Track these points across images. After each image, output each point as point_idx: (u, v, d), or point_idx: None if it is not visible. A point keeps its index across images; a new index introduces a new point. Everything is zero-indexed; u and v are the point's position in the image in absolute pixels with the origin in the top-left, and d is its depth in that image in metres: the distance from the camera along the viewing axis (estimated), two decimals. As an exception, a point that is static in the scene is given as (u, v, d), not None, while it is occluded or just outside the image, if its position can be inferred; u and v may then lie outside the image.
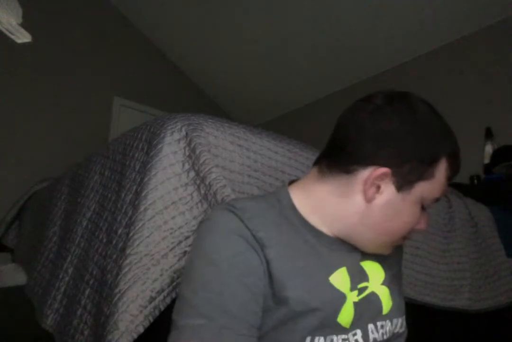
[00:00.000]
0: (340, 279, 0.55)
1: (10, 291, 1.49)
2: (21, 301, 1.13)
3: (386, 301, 0.59)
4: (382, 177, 0.54)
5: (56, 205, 1.19)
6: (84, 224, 0.92)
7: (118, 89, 3.39)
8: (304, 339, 0.50)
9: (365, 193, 0.55)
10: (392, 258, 0.65)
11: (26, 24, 1.72)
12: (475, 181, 2.21)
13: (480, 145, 2.41)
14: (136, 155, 0.83)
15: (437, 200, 0.58)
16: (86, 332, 0.73)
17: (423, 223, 0.59)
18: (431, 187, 0.55)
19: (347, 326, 0.53)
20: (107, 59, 3.35)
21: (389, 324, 0.58)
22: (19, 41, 1.75)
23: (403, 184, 0.54)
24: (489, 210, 1.60)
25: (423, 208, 0.57)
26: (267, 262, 0.51)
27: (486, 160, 2.26)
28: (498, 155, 2.08)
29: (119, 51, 3.45)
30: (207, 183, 0.73)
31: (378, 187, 0.55)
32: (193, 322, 0.47)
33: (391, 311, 0.59)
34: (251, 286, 0.49)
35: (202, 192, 0.74)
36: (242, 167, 0.82)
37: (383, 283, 0.60)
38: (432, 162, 0.54)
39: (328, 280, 0.54)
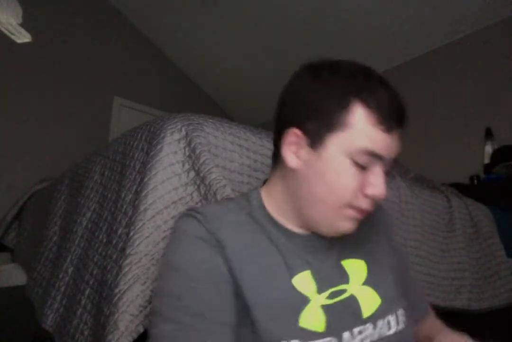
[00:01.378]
0: (303, 281, 0.52)
1: (10, 291, 1.49)
2: (21, 301, 1.13)
3: (369, 303, 0.54)
4: (293, 139, 0.53)
5: (56, 205, 1.19)
6: (84, 224, 0.92)
7: (118, 89, 3.39)
8: None
9: (286, 160, 0.54)
10: (380, 249, 0.61)
11: (26, 24, 1.72)
12: (475, 181, 2.21)
13: (480, 145, 2.41)
14: (136, 155, 0.83)
15: (377, 155, 0.50)
16: (86, 332, 0.73)
17: (377, 186, 0.51)
18: (350, 137, 0.50)
19: (319, 330, 0.50)
20: (107, 59, 3.35)
21: (371, 327, 0.53)
22: (19, 41, 1.75)
23: (314, 140, 0.51)
24: (489, 210, 1.60)
25: (363, 167, 0.51)
26: (228, 263, 0.51)
27: (486, 160, 2.26)
28: (498, 155, 2.09)
29: (119, 51, 3.45)
30: (207, 183, 0.73)
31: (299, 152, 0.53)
32: (163, 329, 0.47)
33: (377, 311, 0.54)
34: (217, 286, 0.49)
35: (202, 192, 0.74)
36: (242, 167, 0.82)
37: (365, 283, 0.56)
38: (339, 110, 0.50)
39: (291, 282, 0.52)
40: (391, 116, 0.50)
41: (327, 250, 0.56)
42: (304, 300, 0.51)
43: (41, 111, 2.89)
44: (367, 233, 0.62)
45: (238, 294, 0.50)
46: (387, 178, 0.54)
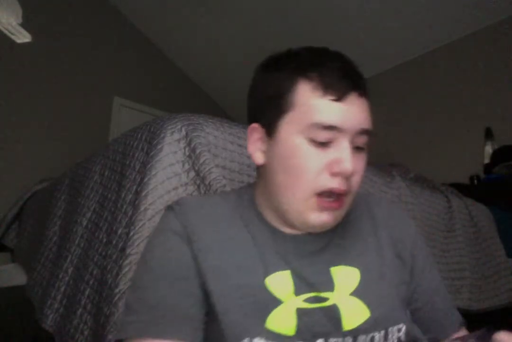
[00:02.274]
0: (279, 281, 0.50)
1: (10, 291, 1.49)
2: (21, 301, 1.13)
3: (353, 315, 0.49)
4: (256, 135, 0.53)
5: (56, 205, 1.19)
6: (84, 224, 0.92)
7: (118, 89, 3.39)
8: None
9: (253, 158, 0.54)
10: (381, 258, 0.56)
11: (26, 24, 1.72)
12: (475, 181, 2.21)
13: (480, 145, 2.41)
14: (136, 155, 0.83)
15: (334, 127, 0.47)
16: (86, 332, 0.73)
17: (341, 162, 0.47)
18: (299, 114, 0.48)
19: (288, 333, 0.47)
20: (107, 59, 3.35)
21: (350, 341, 0.48)
22: (19, 41, 1.75)
23: (270, 128, 0.51)
24: (489, 210, 1.60)
25: (324, 144, 0.48)
26: (196, 257, 0.50)
27: (486, 160, 2.26)
28: (498, 155, 2.09)
29: (119, 51, 3.45)
30: (207, 182, 0.73)
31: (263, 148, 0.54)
32: (128, 320, 0.48)
33: (362, 325, 0.49)
34: (183, 280, 0.49)
35: (202, 191, 0.74)
36: (242, 167, 0.82)
37: (354, 293, 0.51)
38: (286, 92, 0.49)
39: (263, 281, 0.49)
40: (340, 83, 0.47)
41: (315, 253, 0.53)
42: (274, 301, 0.48)
43: (41, 111, 2.89)
44: (367, 240, 0.58)
45: (205, 288, 0.49)
46: (358, 153, 0.50)
